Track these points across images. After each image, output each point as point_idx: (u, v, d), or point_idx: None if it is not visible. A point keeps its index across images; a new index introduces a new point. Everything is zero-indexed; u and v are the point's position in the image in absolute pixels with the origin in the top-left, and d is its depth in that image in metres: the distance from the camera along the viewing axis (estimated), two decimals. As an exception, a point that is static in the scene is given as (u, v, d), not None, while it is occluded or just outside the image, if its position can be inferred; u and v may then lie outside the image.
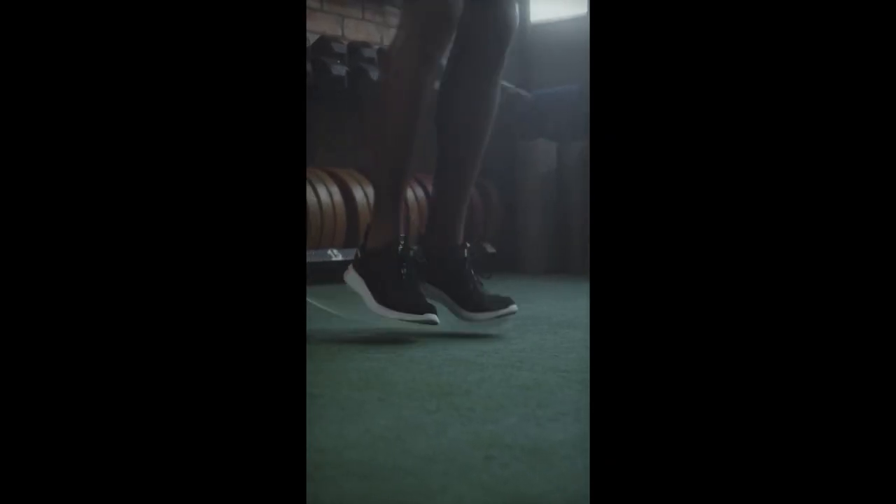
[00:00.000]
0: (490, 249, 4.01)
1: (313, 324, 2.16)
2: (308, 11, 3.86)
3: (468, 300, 1.94)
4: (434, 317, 1.81)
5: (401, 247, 1.89)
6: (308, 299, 1.84)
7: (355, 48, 3.63)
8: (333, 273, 3.43)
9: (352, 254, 3.35)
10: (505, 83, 2.38)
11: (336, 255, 3.33)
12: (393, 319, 1.83)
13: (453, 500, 0.81)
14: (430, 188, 3.75)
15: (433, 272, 1.97)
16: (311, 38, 3.59)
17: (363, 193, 3.47)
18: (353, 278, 1.94)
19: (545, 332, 1.96)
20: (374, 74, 3.54)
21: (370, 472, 0.89)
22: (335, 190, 3.38)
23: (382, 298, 1.86)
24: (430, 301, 1.87)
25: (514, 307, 1.93)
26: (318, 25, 3.90)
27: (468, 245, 2.00)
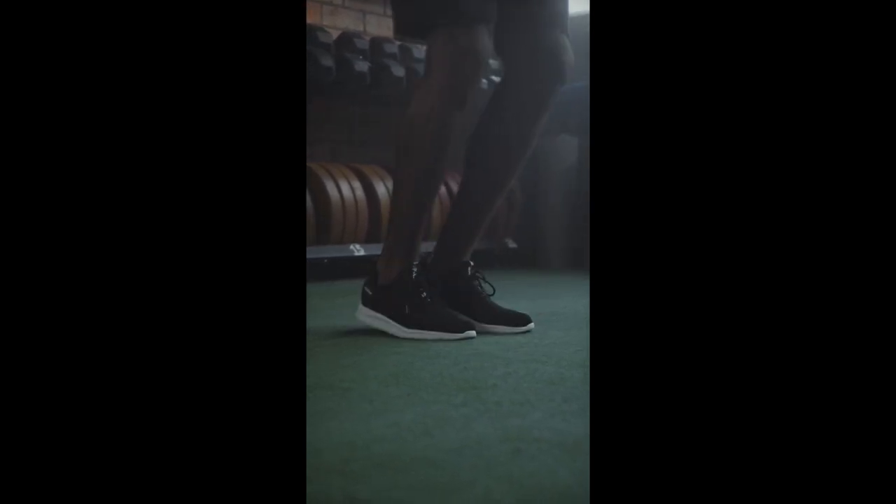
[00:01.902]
0: (512, 245, 4.02)
1: (337, 320, 2.18)
2: (330, 7, 3.87)
3: (482, 314, 1.90)
4: (473, 332, 1.79)
5: (414, 273, 1.85)
6: None
7: (378, 44, 3.64)
8: (355, 269, 3.45)
9: (374, 249, 3.38)
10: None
11: (358, 251, 3.35)
12: (431, 340, 1.78)
13: (481, 492, 0.82)
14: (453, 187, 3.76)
15: (442, 291, 1.94)
16: (334, 34, 3.60)
17: (385, 189, 3.48)
18: (368, 315, 1.89)
19: (569, 327, 1.97)
20: (397, 70, 3.55)
21: (399, 465, 0.91)
22: (357, 185, 3.40)
23: (411, 322, 1.81)
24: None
25: (531, 325, 1.90)
26: (340, 21, 3.92)
27: (472, 263, 1.97)
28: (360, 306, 1.91)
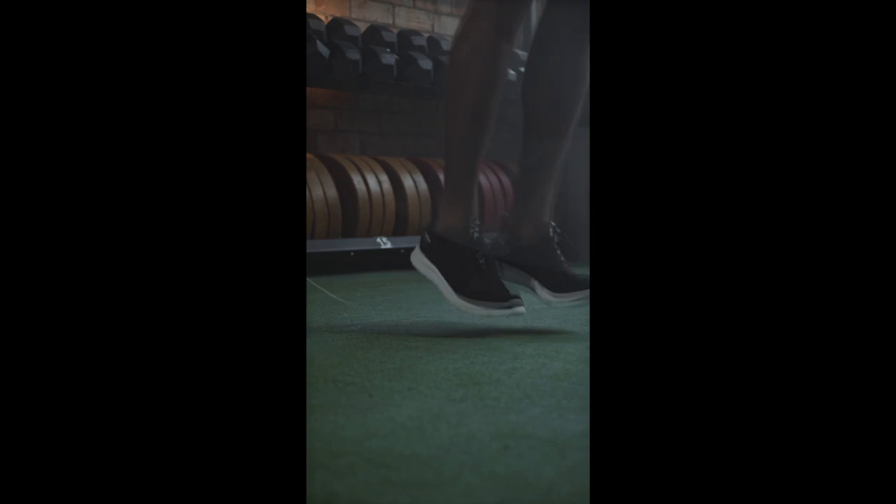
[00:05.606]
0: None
1: (357, 314, 2.19)
2: (359, 0, 3.88)
3: (556, 282, 1.86)
4: (522, 309, 1.75)
5: (475, 233, 1.80)
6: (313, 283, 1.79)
7: (405, 36, 3.64)
8: (381, 261, 3.46)
9: (400, 242, 3.39)
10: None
11: (385, 244, 3.35)
12: (478, 315, 1.75)
13: (463, 489, 0.82)
14: (502, 177, 3.75)
15: (521, 254, 1.88)
16: (361, 27, 3.61)
17: (412, 182, 3.49)
18: (422, 262, 1.83)
19: (587, 322, 1.95)
20: (424, 63, 3.55)
21: (387, 462, 0.90)
22: (384, 178, 3.40)
23: (462, 289, 1.77)
24: (508, 283, 1.82)
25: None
26: (368, 14, 3.92)
27: (553, 224, 1.92)
28: (417, 250, 1.86)
